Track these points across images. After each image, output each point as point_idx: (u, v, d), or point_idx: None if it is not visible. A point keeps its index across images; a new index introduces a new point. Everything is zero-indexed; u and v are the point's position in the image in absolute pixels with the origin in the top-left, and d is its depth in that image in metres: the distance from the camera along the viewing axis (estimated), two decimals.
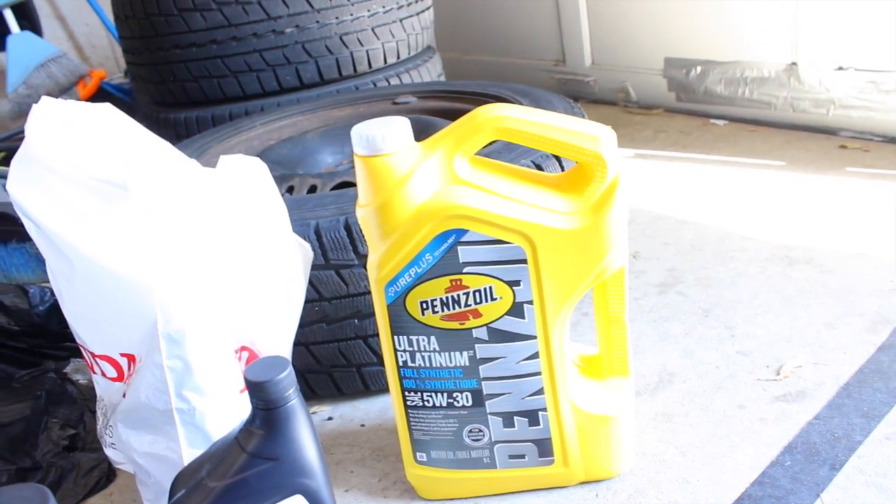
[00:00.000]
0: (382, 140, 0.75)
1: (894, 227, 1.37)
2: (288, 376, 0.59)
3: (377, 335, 1.00)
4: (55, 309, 1.23)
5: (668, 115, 2.16)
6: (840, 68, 1.81)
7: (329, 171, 1.35)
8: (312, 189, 1.20)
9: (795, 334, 1.13)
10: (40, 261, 1.31)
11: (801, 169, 1.68)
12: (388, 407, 1.10)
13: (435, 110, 1.45)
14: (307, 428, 0.61)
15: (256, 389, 0.59)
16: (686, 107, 2.14)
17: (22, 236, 1.28)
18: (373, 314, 0.97)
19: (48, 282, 1.29)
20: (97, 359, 0.83)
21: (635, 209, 1.60)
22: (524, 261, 0.76)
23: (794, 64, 1.88)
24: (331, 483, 0.62)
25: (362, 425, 1.08)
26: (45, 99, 0.79)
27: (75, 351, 1.26)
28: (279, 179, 1.20)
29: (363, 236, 0.96)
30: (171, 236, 0.76)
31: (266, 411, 0.60)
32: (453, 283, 0.77)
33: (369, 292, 0.99)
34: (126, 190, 0.76)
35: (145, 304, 0.75)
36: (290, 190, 1.21)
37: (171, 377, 0.76)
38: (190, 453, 0.78)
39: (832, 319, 1.15)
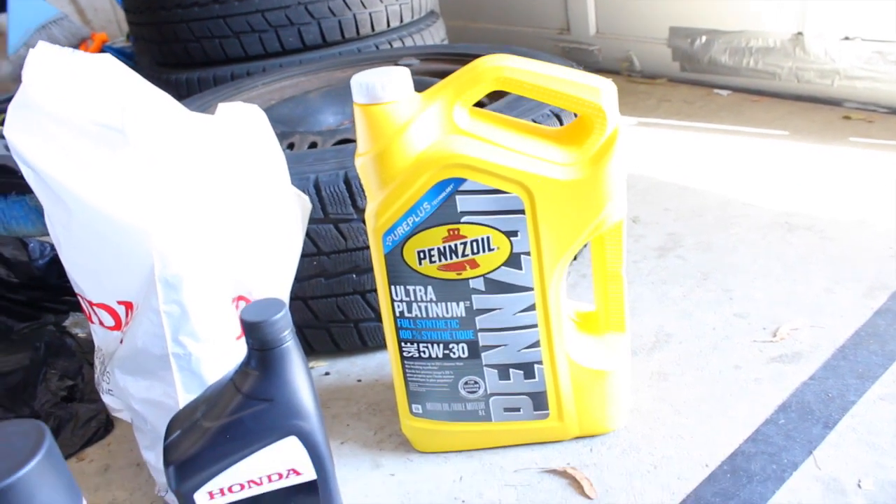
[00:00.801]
0: (382, 88, 0.74)
1: (895, 197, 1.37)
2: (284, 317, 0.59)
3: (375, 291, 1.00)
4: (55, 262, 1.23)
5: (671, 85, 2.14)
6: (846, 38, 1.79)
7: (330, 130, 1.35)
8: (313, 146, 1.20)
9: (793, 298, 1.13)
10: (40, 213, 1.31)
11: (803, 139, 1.68)
12: (385, 363, 1.11)
13: (437, 72, 1.44)
14: (302, 370, 0.61)
15: (252, 330, 0.59)
16: (690, 76, 2.13)
17: (22, 188, 1.28)
18: (371, 269, 0.98)
19: (48, 235, 1.30)
20: (95, 307, 0.83)
21: (636, 175, 1.60)
22: (522, 211, 0.76)
23: (799, 34, 1.87)
24: (325, 426, 0.63)
25: (359, 380, 1.08)
26: (42, 44, 0.79)
27: (74, 305, 1.26)
28: (280, 137, 1.19)
29: (363, 191, 0.96)
30: (168, 182, 0.76)
31: (261, 352, 0.60)
32: (451, 232, 0.77)
33: (368, 247, 0.99)
34: (124, 135, 0.76)
35: (142, 250, 0.74)
36: (291, 147, 1.21)
37: (168, 322, 0.76)
38: (186, 398, 0.78)
39: (831, 284, 1.15)
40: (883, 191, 1.40)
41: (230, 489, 0.59)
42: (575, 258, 1.27)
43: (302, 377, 0.61)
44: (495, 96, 1.20)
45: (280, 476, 0.61)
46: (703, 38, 2.06)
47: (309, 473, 0.61)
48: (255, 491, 0.61)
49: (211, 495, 0.59)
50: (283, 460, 0.60)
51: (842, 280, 1.16)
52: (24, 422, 0.64)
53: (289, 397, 0.60)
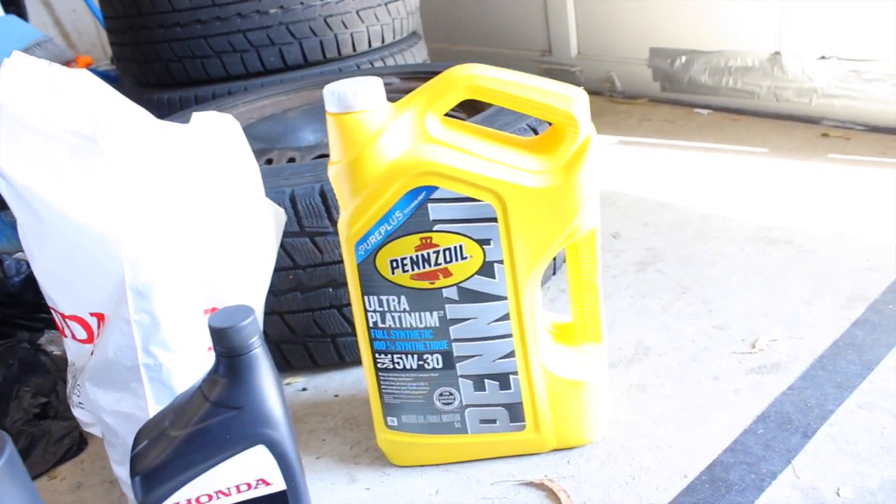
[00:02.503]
0: (354, 97, 0.75)
1: (873, 211, 1.38)
2: (252, 324, 0.59)
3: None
4: (30, 280, 1.22)
5: (652, 105, 2.16)
6: (823, 57, 1.81)
7: (309, 146, 1.35)
8: (291, 161, 1.20)
9: (772, 310, 1.13)
10: (15, 230, 1.30)
11: (783, 155, 1.69)
12: (362, 378, 1.10)
13: None
14: (271, 378, 0.60)
15: (219, 336, 0.59)
16: (671, 96, 2.15)
17: None
18: (347, 283, 0.97)
19: (23, 252, 1.28)
20: (68, 320, 0.82)
21: (617, 192, 1.60)
22: (494, 219, 0.76)
23: (777, 53, 1.89)
24: (295, 435, 0.62)
25: (336, 395, 1.07)
26: (16, 53, 0.79)
27: (50, 322, 1.25)
28: (259, 153, 1.19)
29: (338, 204, 0.95)
30: (141, 191, 0.76)
31: (229, 359, 0.59)
32: (423, 241, 0.77)
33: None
34: (97, 144, 0.75)
35: (114, 258, 0.74)
36: (269, 162, 1.21)
37: (139, 332, 0.75)
38: (156, 410, 0.77)
39: (809, 296, 1.15)
40: (860, 205, 1.41)
41: (198, 500, 0.59)
42: (554, 273, 1.27)
43: (271, 384, 0.60)
44: (473, 113, 1.21)
45: (249, 486, 0.60)
46: (683, 59, 2.08)
47: (279, 484, 0.61)
48: (224, 503, 0.60)
49: None
50: (251, 470, 0.59)
51: (820, 292, 1.16)
52: None
53: (257, 405, 0.59)
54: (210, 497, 0.59)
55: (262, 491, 0.60)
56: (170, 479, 0.59)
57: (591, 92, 2.29)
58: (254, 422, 0.59)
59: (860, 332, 1.06)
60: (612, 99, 2.26)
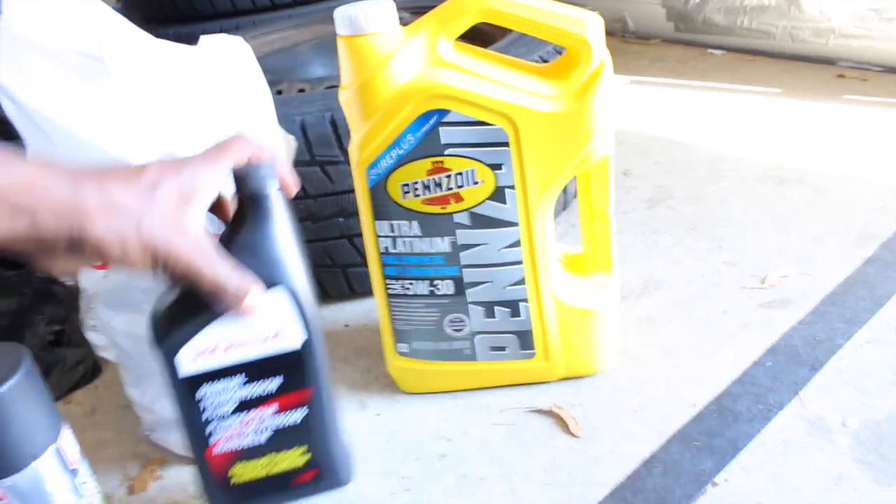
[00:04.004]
0: (365, 19, 0.73)
1: (888, 152, 1.36)
2: (269, 170, 0.56)
3: (362, 235, 1.00)
4: None
5: (665, 45, 2.13)
6: None
7: (319, 79, 1.33)
8: (301, 92, 1.19)
9: (783, 248, 1.13)
10: None
11: (797, 96, 1.67)
12: (372, 309, 1.10)
13: None
14: (289, 226, 0.57)
15: (238, 178, 0.56)
16: (684, 37, 2.11)
17: (4, 135, 1.27)
18: (357, 213, 0.97)
19: None
20: None
21: (628, 131, 1.59)
22: (506, 143, 0.75)
23: None
24: (314, 296, 0.59)
25: (346, 325, 1.08)
26: None
27: None
28: (268, 84, 1.18)
29: (349, 133, 0.95)
30: (150, 111, 0.75)
31: (247, 202, 0.56)
32: (435, 165, 0.76)
33: (354, 190, 0.98)
34: (104, 64, 0.75)
35: None
36: (279, 93, 1.20)
37: None
38: None
39: (821, 235, 1.15)
40: (875, 146, 1.39)
41: (213, 351, 0.55)
42: (564, 207, 1.27)
43: (289, 232, 0.57)
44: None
45: (266, 338, 0.56)
46: None
47: (296, 339, 0.57)
48: (242, 354, 0.56)
49: (195, 356, 0.55)
50: (268, 319, 0.56)
51: (832, 231, 1.16)
52: (4, 345, 0.64)
53: (276, 249, 0.56)
54: (226, 349, 0.56)
55: (279, 346, 0.56)
56: (183, 324, 0.55)
57: None
58: (271, 263, 0.55)
59: (871, 269, 1.06)
60: (625, 39, 2.23)
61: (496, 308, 0.84)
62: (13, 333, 1.05)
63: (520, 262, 0.81)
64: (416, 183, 0.77)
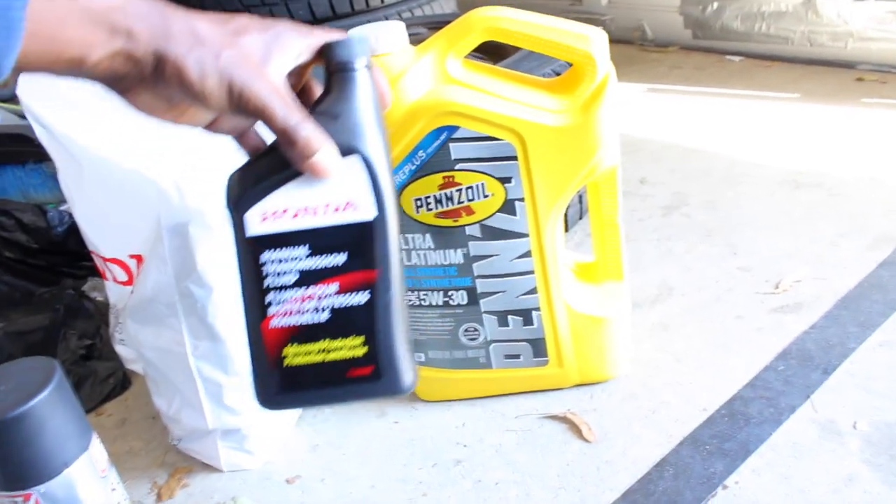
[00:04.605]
0: (376, 41, 0.76)
1: None
2: (363, 45, 0.54)
3: None
4: (73, 230, 1.27)
5: (683, 53, 2.14)
6: None
7: None
8: None
9: (797, 252, 1.14)
10: (56, 181, 1.34)
11: (815, 100, 1.67)
12: None
13: None
14: (375, 102, 0.55)
15: (330, 49, 0.54)
16: (702, 44, 2.12)
17: (39, 157, 1.32)
18: None
19: (65, 201, 1.32)
20: (108, 263, 0.86)
21: (644, 139, 1.60)
22: (515, 157, 0.78)
23: None
24: (392, 170, 0.57)
25: None
26: None
27: (92, 270, 1.30)
28: None
29: None
30: (174, 133, 0.78)
31: (334, 74, 0.54)
32: (446, 179, 0.79)
33: None
34: None
35: (150, 199, 0.77)
36: None
37: (174, 270, 0.79)
38: (193, 344, 0.81)
39: (836, 238, 1.16)
40: (893, 150, 1.39)
41: (283, 214, 0.53)
42: (580, 217, 1.29)
43: (373, 107, 0.55)
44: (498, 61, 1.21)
45: (337, 209, 0.54)
46: (715, 5, 2.05)
47: (368, 211, 0.54)
48: (309, 222, 0.54)
49: (263, 217, 0.53)
50: (342, 188, 0.54)
51: (847, 234, 1.16)
52: (37, 359, 0.67)
53: (357, 117, 0.54)
54: (296, 213, 0.54)
55: (351, 216, 0.54)
56: (257, 183, 0.53)
57: (621, 41, 2.28)
58: (350, 131, 0.53)
59: (886, 272, 1.06)
60: (643, 48, 2.24)
61: (509, 317, 0.86)
62: (47, 348, 1.09)
63: (531, 272, 0.83)
64: (428, 197, 0.80)
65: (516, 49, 1.21)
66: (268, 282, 0.53)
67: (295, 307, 0.54)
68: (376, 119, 0.54)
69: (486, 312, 0.86)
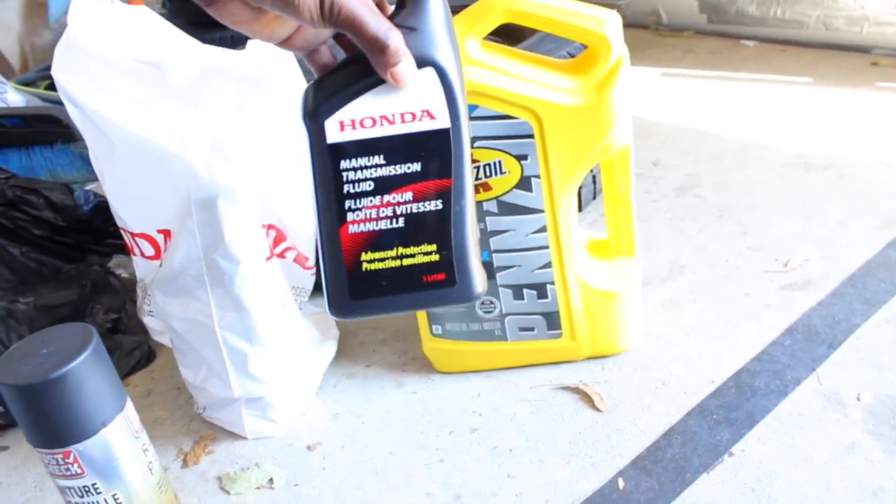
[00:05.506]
0: None
1: None
2: None
3: None
4: (99, 209, 1.30)
5: (698, 37, 2.15)
6: None
7: None
8: None
9: (807, 232, 1.16)
10: (84, 160, 1.38)
11: (829, 84, 1.69)
12: None
13: None
14: (444, 14, 0.56)
15: None
16: (717, 28, 2.13)
17: (67, 137, 1.35)
18: None
19: (92, 181, 1.36)
20: (136, 238, 0.89)
21: (658, 123, 1.62)
22: (531, 136, 0.81)
23: None
24: (464, 84, 0.58)
25: None
26: None
27: (118, 248, 1.33)
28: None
29: None
30: (203, 112, 0.82)
31: None
32: None
33: None
34: (160, 70, 0.81)
35: (179, 175, 0.80)
36: None
37: (202, 243, 0.82)
38: (220, 315, 0.85)
39: (845, 219, 1.18)
40: None
41: (361, 123, 0.55)
42: (594, 197, 1.31)
43: (445, 21, 0.57)
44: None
45: (413, 117, 0.56)
46: None
47: (443, 120, 0.56)
48: (387, 131, 0.56)
49: (342, 126, 0.55)
50: (418, 98, 0.56)
51: (857, 215, 1.18)
52: (75, 325, 0.71)
53: (431, 30, 0.55)
54: (374, 121, 0.55)
55: (426, 125, 0.56)
56: (334, 95, 0.55)
57: (636, 26, 2.29)
58: (427, 43, 0.55)
59: (893, 252, 1.08)
60: (658, 32, 2.25)
61: (524, 291, 0.89)
62: (74, 321, 1.12)
63: (546, 247, 0.86)
64: None
65: (533, 32, 1.23)
66: (346, 188, 0.55)
67: (372, 214, 0.56)
68: (448, 33, 0.56)
69: (502, 286, 0.89)
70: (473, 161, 0.82)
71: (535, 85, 0.80)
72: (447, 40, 0.56)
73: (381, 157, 0.56)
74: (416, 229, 0.57)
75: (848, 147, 1.39)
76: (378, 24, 0.50)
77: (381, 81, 0.54)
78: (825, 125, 1.50)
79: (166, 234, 0.87)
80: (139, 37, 0.85)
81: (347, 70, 0.54)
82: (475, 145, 0.82)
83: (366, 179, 0.56)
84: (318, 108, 0.54)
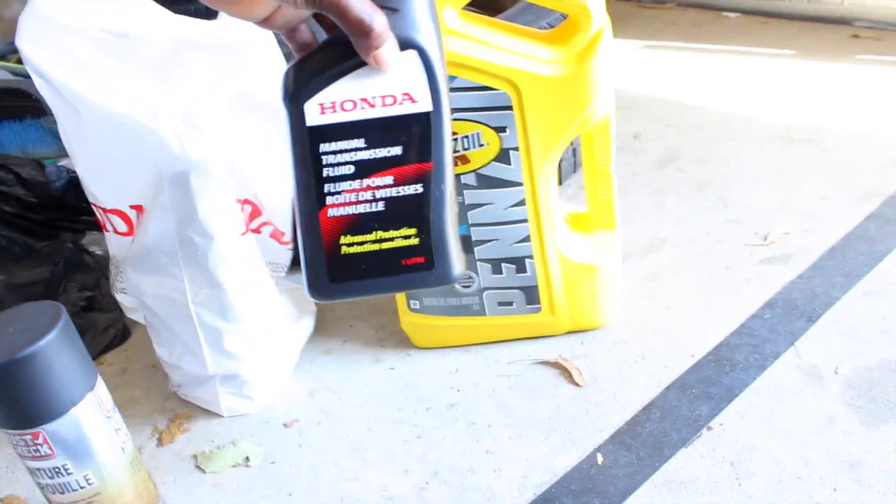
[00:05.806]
0: None
1: None
2: None
3: None
4: (71, 185, 1.28)
5: (680, 9, 2.14)
6: None
7: None
8: None
9: (788, 205, 1.16)
10: (55, 135, 1.35)
11: (810, 57, 1.68)
12: None
13: None
14: (428, 2, 0.60)
15: None
16: (699, 0, 2.12)
17: (37, 111, 1.32)
18: None
19: (63, 157, 1.33)
20: (108, 214, 0.87)
21: (639, 94, 1.61)
22: (510, 107, 0.79)
23: None
24: (445, 66, 0.55)
25: None
26: None
27: (91, 224, 1.31)
28: (286, 56, 1.21)
29: None
30: (175, 84, 0.80)
31: None
32: None
33: None
34: (129, 41, 0.79)
35: (151, 149, 0.78)
36: None
37: (175, 219, 0.80)
38: (194, 292, 0.83)
39: (826, 192, 1.18)
40: (887, 105, 1.41)
41: (342, 105, 0.53)
42: (574, 170, 1.30)
43: (429, 2, 0.59)
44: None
45: (394, 100, 0.54)
46: None
47: (424, 103, 0.54)
48: (367, 114, 0.54)
49: (322, 108, 0.53)
50: (399, 81, 0.54)
51: (837, 188, 1.18)
52: (44, 303, 0.69)
53: (415, 11, 0.58)
54: (354, 104, 0.58)
55: (407, 108, 0.55)
56: (314, 77, 0.53)
57: None
58: (408, 25, 0.53)
59: (873, 225, 1.08)
60: (640, 4, 2.23)
61: (503, 265, 0.88)
62: (47, 299, 1.11)
63: (525, 221, 0.85)
64: None
65: (513, 2, 1.21)
66: (326, 171, 0.54)
67: (352, 197, 0.56)
68: (431, 15, 0.55)
69: (480, 260, 0.88)
70: (453, 133, 0.80)
71: (514, 55, 0.79)
72: (430, 22, 0.54)
73: (362, 140, 0.55)
74: (395, 213, 0.56)
75: (830, 120, 1.39)
76: (363, 6, 0.48)
77: (363, 63, 0.52)
78: (807, 98, 1.49)
79: (139, 209, 0.86)
80: (108, 6, 0.82)
81: (328, 51, 0.53)
82: (453, 117, 0.80)
83: (346, 163, 0.55)
84: (298, 90, 0.53)
